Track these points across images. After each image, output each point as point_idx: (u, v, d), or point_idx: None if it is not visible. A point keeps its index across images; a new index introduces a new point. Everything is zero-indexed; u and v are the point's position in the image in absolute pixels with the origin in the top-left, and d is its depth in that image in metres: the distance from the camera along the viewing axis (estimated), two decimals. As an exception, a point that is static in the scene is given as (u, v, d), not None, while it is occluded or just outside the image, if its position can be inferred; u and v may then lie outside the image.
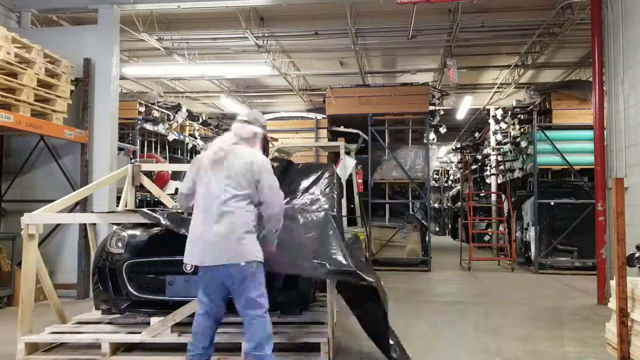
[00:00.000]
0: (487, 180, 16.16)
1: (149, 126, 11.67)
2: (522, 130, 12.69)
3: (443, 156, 28.50)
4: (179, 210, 4.63)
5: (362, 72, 13.40)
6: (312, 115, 13.26)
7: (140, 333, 4.44)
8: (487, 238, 16.02)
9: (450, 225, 25.10)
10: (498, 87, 14.88)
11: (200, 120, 15.09)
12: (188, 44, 11.71)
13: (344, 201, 8.76)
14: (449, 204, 26.15)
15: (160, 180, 10.90)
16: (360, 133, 12.02)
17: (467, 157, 17.17)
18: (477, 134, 18.45)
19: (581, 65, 12.95)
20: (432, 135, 13.18)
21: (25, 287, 4.60)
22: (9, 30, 6.74)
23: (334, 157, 10.94)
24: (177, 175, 11.62)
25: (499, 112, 14.95)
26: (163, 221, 4.36)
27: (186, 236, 3.70)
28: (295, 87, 14.74)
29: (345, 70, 13.73)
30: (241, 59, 12.72)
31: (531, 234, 11.23)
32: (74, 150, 8.24)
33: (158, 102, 12.84)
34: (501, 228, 14.12)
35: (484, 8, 9.74)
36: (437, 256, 13.12)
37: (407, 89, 12.34)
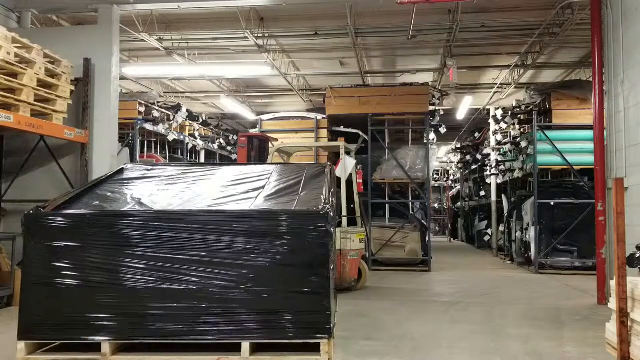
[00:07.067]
0: (487, 180, 16.16)
1: (149, 126, 11.67)
2: (522, 130, 12.69)
3: (443, 156, 28.48)
4: None
5: (362, 72, 13.39)
6: (312, 115, 13.27)
7: (140, 333, 4.42)
8: (487, 238, 16.02)
9: (449, 225, 25.10)
10: (498, 87, 14.87)
11: (200, 120, 15.10)
12: (188, 44, 11.72)
13: (344, 201, 8.76)
14: (447, 204, 26.16)
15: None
16: (360, 133, 12.02)
17: (467, 157, 17.17)
18: (477, 134, 18.44)
19: (581, 65, 12.95)
20: (432, 135, 13.18)
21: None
22: (9, 30, 6.73)
23: (334, 157, 10.93)
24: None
25: (499, 112, 14.94)
26: None
27: None
28: (296, 87, 14.74)
29: (345, 70, 13.72)
30: (241, 59, 12.72)
31: (531, 234, 11.23)
32: (74, 150, 8.24)
33: (158, 102, 12.85)
34: (501, 228, 14.12)
35: (484, 8, 9.74)
36: (437, 256, 13.12)
37: (407, 89, 12.33)
